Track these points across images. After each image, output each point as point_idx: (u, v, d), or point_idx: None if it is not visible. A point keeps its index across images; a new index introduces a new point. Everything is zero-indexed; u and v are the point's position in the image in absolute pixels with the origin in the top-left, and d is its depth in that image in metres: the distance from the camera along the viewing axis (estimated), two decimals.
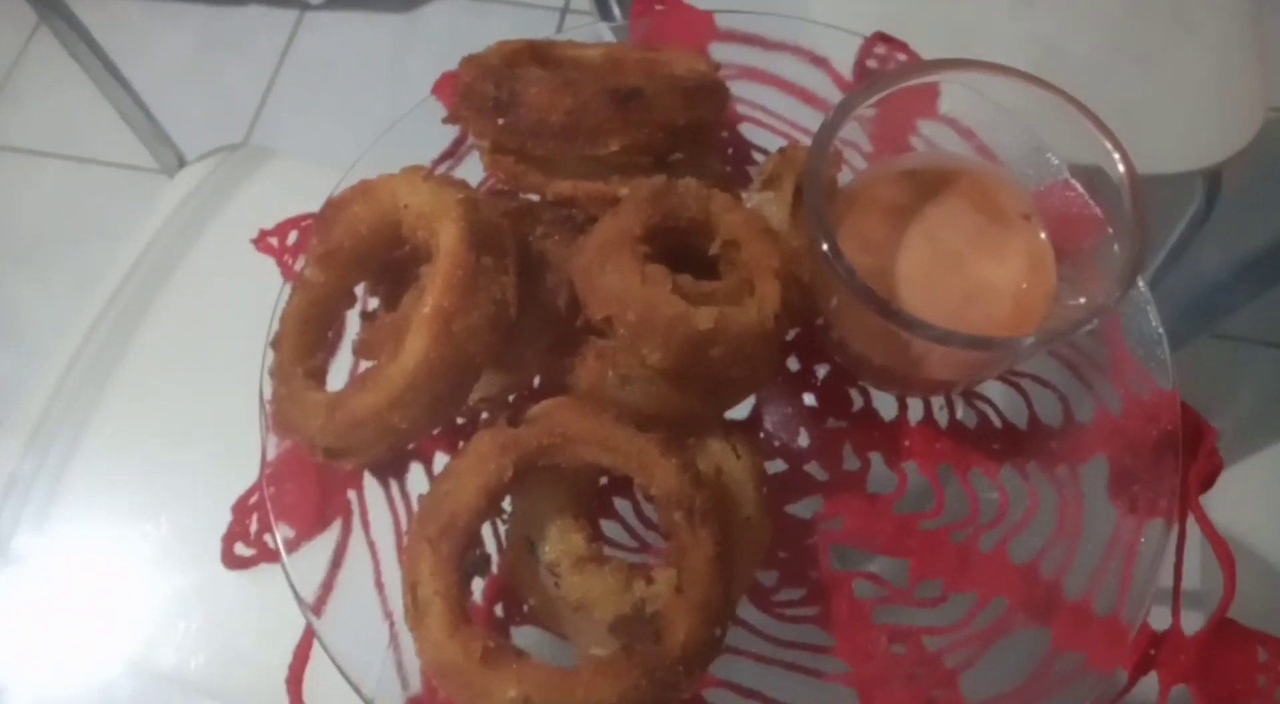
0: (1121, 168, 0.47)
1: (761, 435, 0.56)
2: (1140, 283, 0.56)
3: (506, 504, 0.49)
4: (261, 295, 0.59)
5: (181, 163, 1.13)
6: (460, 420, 0.55)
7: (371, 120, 0.65)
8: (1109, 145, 0.48)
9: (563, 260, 0.50)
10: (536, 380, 0.53)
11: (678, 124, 0.52)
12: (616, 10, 1.01)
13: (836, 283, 0.46)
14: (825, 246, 0.46)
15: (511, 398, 0.55)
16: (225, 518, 0.56)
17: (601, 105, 0.50)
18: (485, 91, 0.52)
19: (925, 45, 1.06)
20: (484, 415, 0.55)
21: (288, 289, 0.53)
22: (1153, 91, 1.05)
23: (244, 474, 0.56)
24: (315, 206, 0.57)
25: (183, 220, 1.06)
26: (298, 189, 1.07)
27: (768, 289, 0.47)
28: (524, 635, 0.52)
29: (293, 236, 0.63)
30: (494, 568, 0.49)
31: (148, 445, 0.90)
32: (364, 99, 1.72)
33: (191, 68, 1.79)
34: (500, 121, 0.51)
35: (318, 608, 0.51)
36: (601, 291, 0.46)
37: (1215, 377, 1.39)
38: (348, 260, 0.51)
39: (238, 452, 0.57)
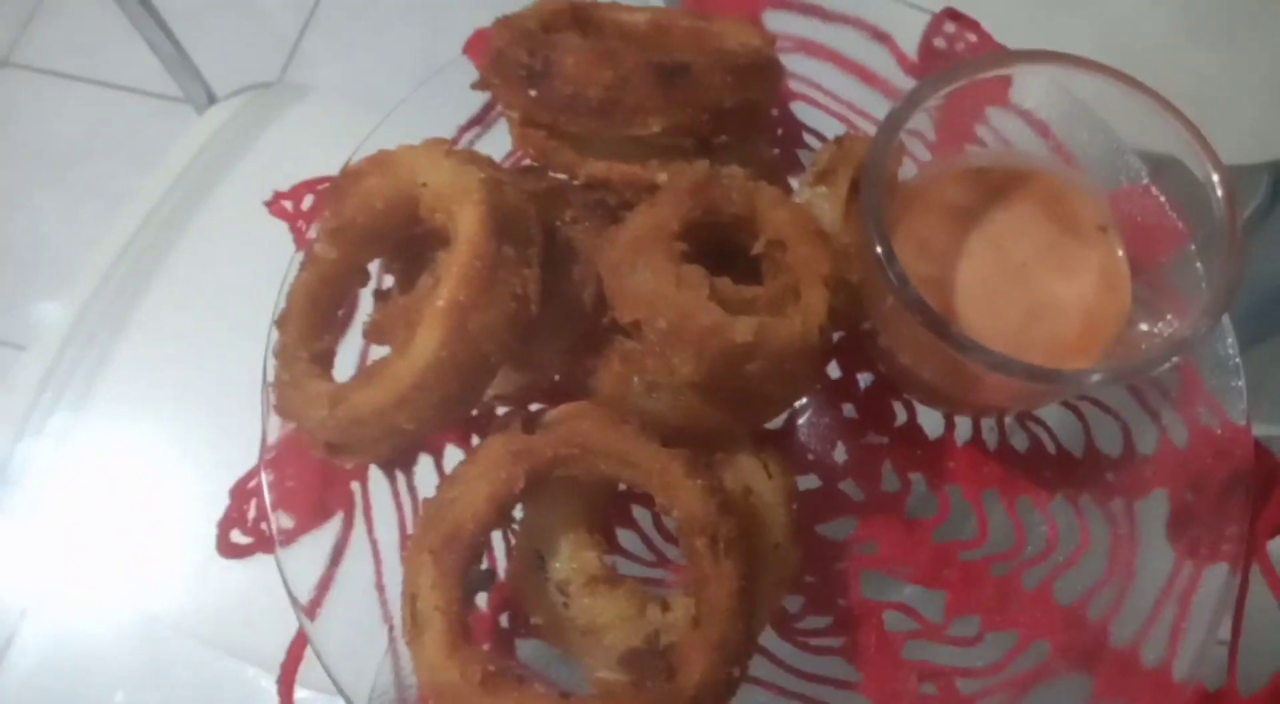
0: (1219, 184, 0.42)
1: (795, 447, 0.52)
2: None
3: (517, 511, 0.46)
4: (285, 245, 0.55)
5: (211, 98, 1.09)
6: (475, 412, 0.52)
7: (412, 56, 0.61)
8: (1203, 154, 0.43)
9: (591, 251, 0.46)
10: (556, 377, 0.50)
11: (725, 105, 0.47)
12: None
13: (889, 292, 0.42)
14: (879, 251, 0.41)
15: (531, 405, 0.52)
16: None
17: (644, 81, 0.46)
18: (518, 59, 0.47)
19: (996, 21, 1.00)
20: (500, 410, 0.51)
21: (297, 259, 0.49)
22: (1225, 78, 1.00)
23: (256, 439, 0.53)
24: (346, 154, 0.53)
25: (208, 161, 1.03)
26: (331, 130, 1.03)
27: (814, 298, 0.43)
28: (530, 647, 0.49)
29: (308, 201, 0.59)
30: (499, 579, 0.46)
31: (167, 386, 0.87)
32: (405, 33, 1.67)
33: None
34: (532, 93, 0.47)
35: (313, 607, 0.48)
36: (631, 293, 0.42)
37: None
38: (361, 236, 0.48)
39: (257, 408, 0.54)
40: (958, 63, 0.58)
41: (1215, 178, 0.42)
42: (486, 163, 0.46)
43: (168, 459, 0.83)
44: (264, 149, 1.03)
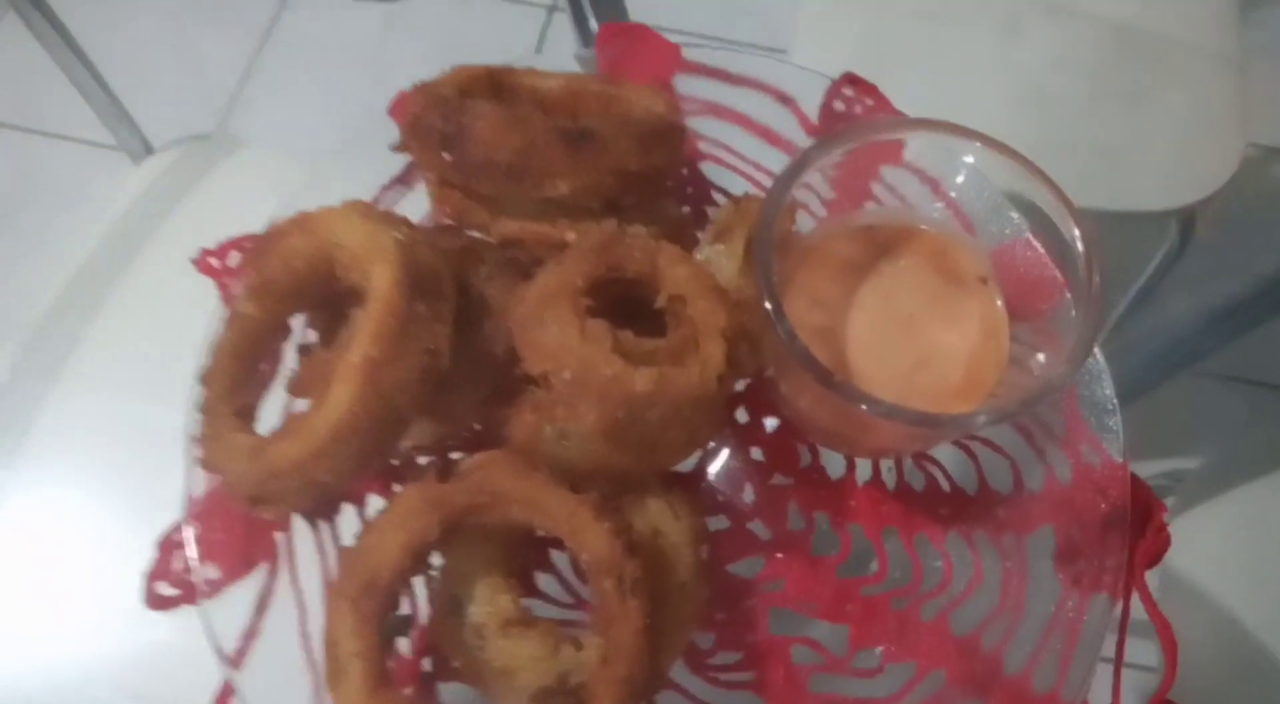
0: (1080, 244, 0.45)
1: (705, 489, 0.54)
2: (1097, 353, 0.55)
3: (437, 558, 0.47)
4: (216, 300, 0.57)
5: (147, 148, 1.10)
6: (395, 462, 0.54)
7: (353, 108, 0.63)
8: (1069, 216, 0.46)
9: (504, 306, 0.49)
10: (476, 426, 0.52)
11: (630, 168, 0.50)
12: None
13: (779, 345, 0.45)
14: (769, 307, 0.44)
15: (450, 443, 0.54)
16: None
17: (551, 146, 0.49)
18: (432, 124, 0.50)
19: (911, 74, 1.05)
20: (420, 460, 0.53)
21: (221, 315, 0.51)
22: (1133, 130, 1.06)
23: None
24: (277, 209, 0.55)
25: (143, 214, 1.03)
26: (265, 184, 1.05)
27: (712, 349, 0.46)
28: (452, 692, 0.50)
29: (234, 257, 0.61)
30: (417, 622, 0.47)
31: (98, 439, 0.87)
32: (347, 86, 1.69)
33: (169, 42, 1.75)
34: (446, 156, 0.50)
35: (238, 656, 0.49)
36: (539, 346, 0.44)
37: (1185, 413, 1.40)
38: (282, 293, 0.49)
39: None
40: (842, 129, 0.61)
41: (1076, 233, 0.46)
42: (402, 223, 0.48)
43: (98, 513, 0.83)
44: (198, 202, 1.04)
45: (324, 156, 0.63)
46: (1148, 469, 1.07)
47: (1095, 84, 1.08)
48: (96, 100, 1.07)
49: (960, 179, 0.53)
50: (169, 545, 0.53)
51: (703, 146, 0.62)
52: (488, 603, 0.46)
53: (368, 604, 0.43)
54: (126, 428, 0.86)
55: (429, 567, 0.47)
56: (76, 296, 0.97)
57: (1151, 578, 0.50)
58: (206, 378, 0.49)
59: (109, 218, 1.02)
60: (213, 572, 0.51)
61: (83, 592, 0.80)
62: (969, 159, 0.51)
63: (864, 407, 0.44)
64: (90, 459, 0.86)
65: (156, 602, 0.52)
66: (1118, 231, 1.51)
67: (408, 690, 0.50)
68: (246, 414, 0.49)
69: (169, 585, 0.52)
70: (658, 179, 0.53)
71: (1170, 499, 0.97)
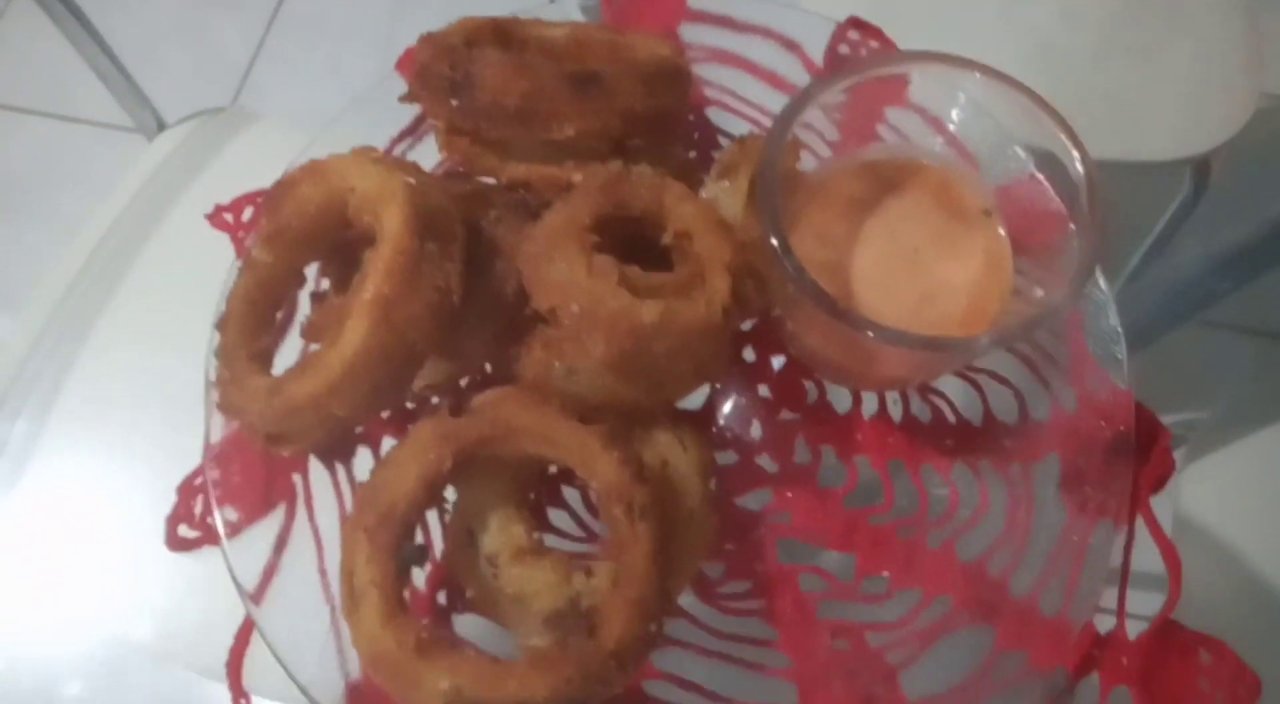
0: (1080, 167, 0.46)
1: (714, 427, 0.55)
2: (1101, 282, 0.56)
3: (451, 493, 0.49)
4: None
5: (161, 125, 1.11)
6: (411, 405, 0.55)
7: (362, 82, 0.64)
8: (1069, 143, 0.47)
9: (513, 247, 0.50)
10: (488, 367, 0.53)
11: (636, 110, 0.51)
12: None
13: (786, 279, 0.45)
14: (775, 242, 0.45)
15: (464, 383, 0.55)
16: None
17: (557, 89, 0.49)
18: (440, 72, 0.51)
19: (914, 30, 1.05)
20: (434, 401, 0.54)
21: (237, 266, 0.52)
22: (1145, 82, 1.06)
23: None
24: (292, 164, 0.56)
25: (159, 186, 1.05)
26: (279, 154, 1.06)
27: (717, 283, 0.47)
28: (467, 623, 0.52)
29: (248, 213, 0.62)
30: (433, 558, 0.49)
31: (120, 410, 0.89)
32: (356, 62, 1.70)
33: (180, 24, 1.76)
34: (455, 103, 0.50)
35: (259, 593, 0.51)
36: (547, 282, 0.45)
37: (1195, 364, 1.39)
38: (296, 241, 0.50)
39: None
40: (849, 62, 0.62)
41: (1075, 155, 0.46)
42: (411, 168, 0.49)
43: (126, 466, 0.85)
44: (213, 173, 1.05)
45: (334, 114, 0.64)
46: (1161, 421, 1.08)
47: (1105, 35, 1.07)
48: (113, 81, 1.08)
49: (964, 117, 0.53)
50: (189, 489, 0.54)
51: (708, 93, 0.63)
52: (501, 533, 0.47)
53: (383, 534, 0.44)
54: (150, 387, 0.87)
55: (444, 501, 0.49)
56: (98, 267, 0.98)
57: (1166, 525, 0.51)
58: (222, 324, 0.51)
59: (126, 193, 1.04)
60: (232, 514, 0.53)
61: (114, 542, 0.81)
62: (972, 96, 0.52)
63: (871, 333, 0.44)
64: (117, 417, 0.88)
65: (178, 543, 0.53)
66: (1131, 182, 1.50)
67: (424, 621, 0.51)
68: (263, 359, 0.51)
69: (189, 528, 0.53)
70: (664, 122, 0.53)
71: (1181, 449, 0.97)
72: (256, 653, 0.52)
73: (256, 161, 1.04)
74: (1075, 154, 0.46)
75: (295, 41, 1.76)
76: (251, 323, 0.51)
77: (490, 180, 0.54)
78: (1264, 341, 1.44)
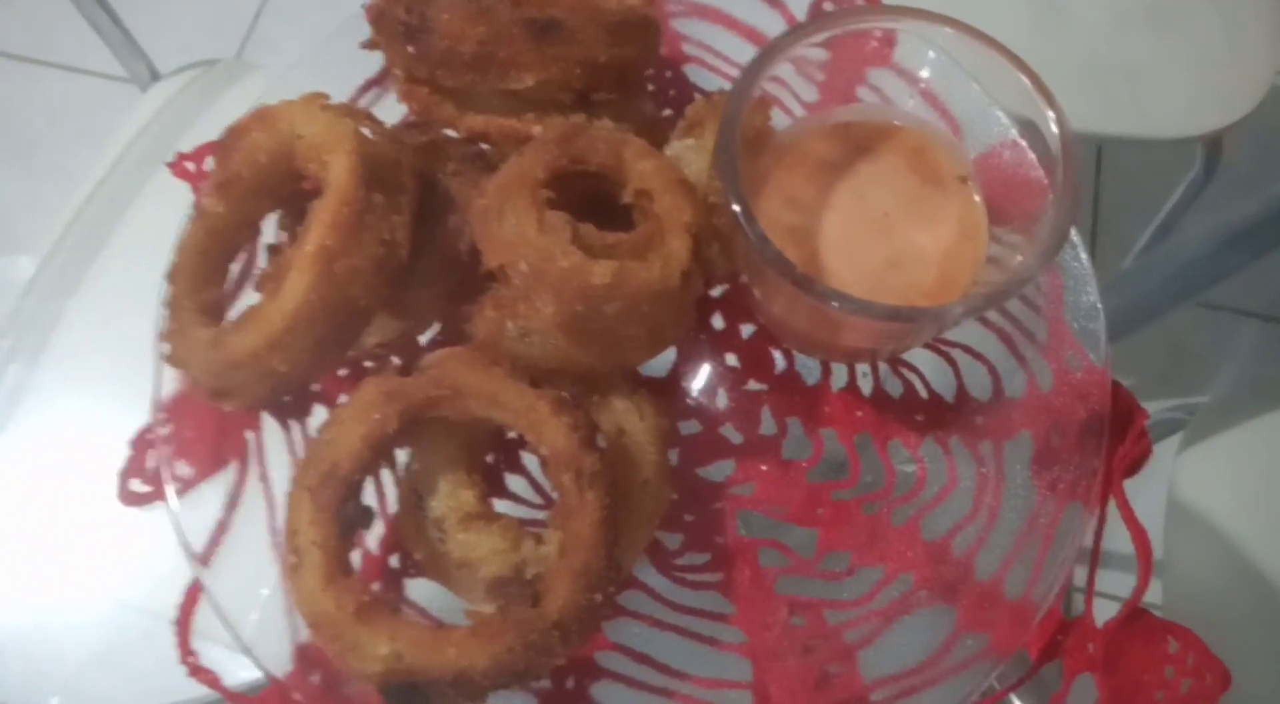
0: (1055, 130, 0.44)
1: (678, 395, 0.54)
2: (1082, 254, 0.53)
3: (404, 455, 0.47)
4: None
5: (155, 76, 1.10)
6: (369, 364, 0.53)
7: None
8: (1045, 104, 0.45)
9: (468, 201, 0.48)
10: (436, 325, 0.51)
11: (599, 61, 0.49)
12: None
13: (749, 248, 0.43)
14: (736, 206, 0.43)
15: (424, 340, 0.53)
16: None
17: (516, 37, 0.47)
18: (395, 16, 0.49)
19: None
20: (394, 359, 0.53)
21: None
22: (1160, 53, 1.03)
23: None
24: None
25: (150, 139, 1.04)
26: (276, 98, 1.05)
27: (676, 245, 0.45)
28: (422, 586, 0.51)
29: (210, 162, 0.60)
30: (377, 520, 0.47)
31: (110, 359, 0.88)
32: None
33: None
34: (410, 49, 0.49)
35: (210, 550, 0.50)
36: (496, 238, 0.44)
37: (1197, 347, 1.37)
38: (247, 190, 0.49)
39: None
40: (814, 18, 0.59)
41: (1050, 115, 0.44)
42: (363, 116, 0.47)
43: (112, 412, 0.84)
44: (206, 125, 1.03)
45: (349, 80, 0.62)
46: (1160, 404, 1.06)
47: (1119, 4, 1.04)
48: (106, 30, 1.06)
49: (946, 79, 0.51)
50: (143, 443, 0.53)
51: (687, 48, 0.61)
52: (449, 497, 0.46)
53: (326, 494, 0.43)
54: (140, 337, 0.87)
55: (394, 462, 0.47)
56: (90, 216, 0.98)
57: (1158, 508, 0.49)
58: (172, 274, 0.49)
59: (120, 143, 1.03)
60: (184, 469, 0.52)
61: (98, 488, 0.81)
62: (954, 57, 0.50)
63: (834, 304, 0.42)
64: (107, 366, 0.88)
65: (130, 498, 0.52)
66: (1142, 158, 1.47)
67: (375, 585, 0.50)
68: (214, 311, 0.49)
69: (141, 483, 0.52)
70: (630, 73, 0.51)
71: (1182, 432, 0.95)
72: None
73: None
74: (1050, 114, 0.44)
75: None
76: (202, 274, 0.49)
77: (451, 132, 0.52)
78: (1266, 325, 1.42)
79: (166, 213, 0.97)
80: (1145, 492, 0.54)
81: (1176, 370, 1.35)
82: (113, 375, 0.86)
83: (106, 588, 0.84)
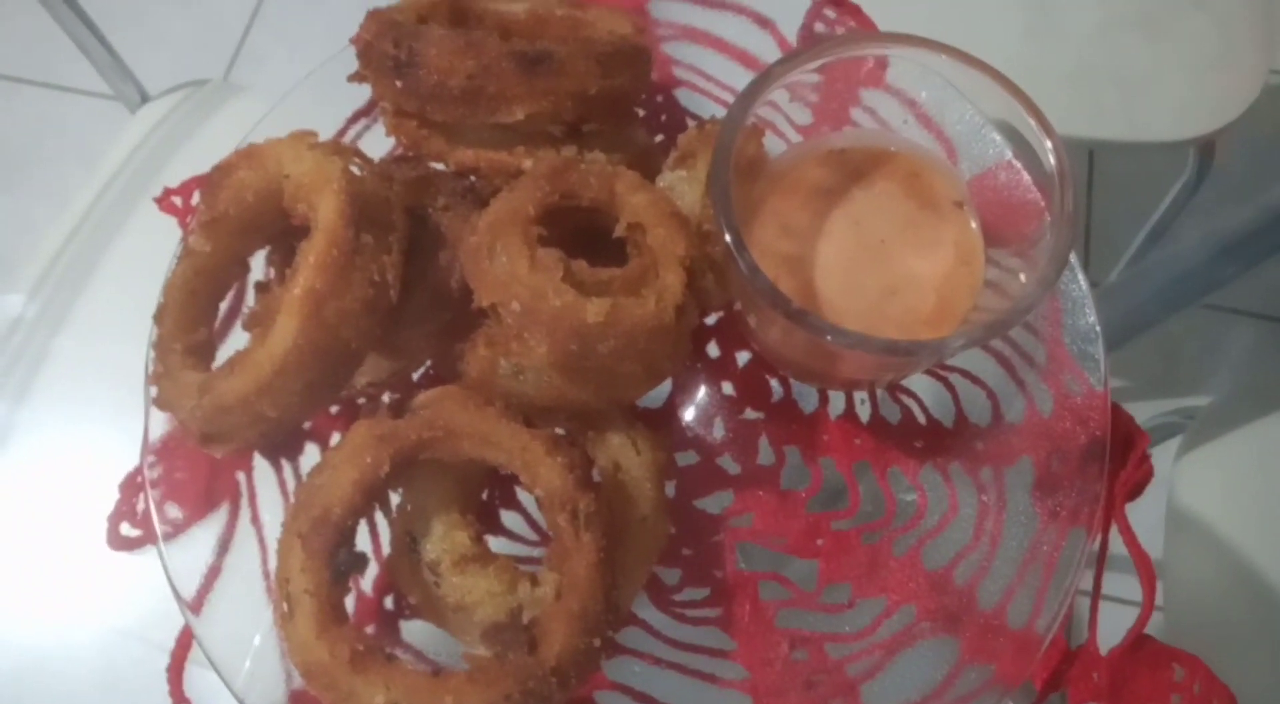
0: (1052, 157, 0.43)
1: (675, 426, 0.53)
2: (1080, 278, 0.53)
3: (397, 496, 0.47)
4: None
5: (144, 97, 1.09)
6: (362, 401, 0.53)
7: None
8: (1039, 130, 0.44)
9: (459, 236, 0.47)
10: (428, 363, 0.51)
11: (590, 92, 0.48)
12: None
13: (742, 279, 0.43)
14: (729, 237, 0.42)
15: (416, 377, 0.53)
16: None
17: (506, 70, 0.47)
18: (384, 50, 0.48)
19: (905, 5, 1.02)
20: (385, 398, 0.52)
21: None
22: (1151, 57, 1.02)
23: None
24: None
25: (143, 159, 1.03)
26: (264, 131, 1.04)
27: (670, 279, 0.44)
28: (416, 628, 0.50)
29: (197, 196, 0.59)
30: (371, 565, 0.47)
31: (100, 390, 0.87)
32: (352, 31, 1.66)
33: None
34: (399, 83, 0.48)
35: (201, 595, 0.49)
36: (488, 276, 0.43)
37: (1196, 350, 1.37)
38: (235, 229, 0.48)
39: None
40: (807, 45, 0.59)
41: (1048, 145, 0.43)
42: (351, 153, 0.46)
43: (101, 450, 0.83)
44: (195, 149, 1.03)
45: (340, 98, 0.62)
46: (1159, 406, 1.05)
47: (1109, 9, 1.04)
48: (92, 51, 1.05)
49: (941, 102, 0.50)
50: (132, 486, 0.52)
51: (678, 73, 0.60)
52: (443, 540, 0.45)
53: (318, 541, 0.42)
54: (130, 369, 0.86)
55: (387, 504, 0.47)
56: (83, 241, 0.97)
57: (1158, 515, 0.49)
58: (159, 316, 0.49)
59: (109, 165, 1.02)
60: (175, 511, 0.51)
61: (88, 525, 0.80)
62: (948, 80, 0.49)
63: (829, 338, 0.42)
64: (97, 397, 0.87)
65: (119, 542, 0.52)
66: (1134, 162, 1.47)
67: (370, 628, 0.49)
68: (203, 352, 0.49)
69: (132, 526, 0.52)
70: (622, 104, 0.51)
71: (1181, 437, 0.94)
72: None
73: (240, 137, 1.02)
74: (1048, 144, 0.44)
75: (292, 11, 1.72)
76: (190, 314, 0.49)
77: (440, 166, 0.51)
78: (1266, 325, 1.41)
79: (155, 244, 0.97)
80: (1144, 494, 0.54)
81: (1172, 372, 1.34)
82: (103, 409, 0.85)
83: (100, 616, 0.83)
